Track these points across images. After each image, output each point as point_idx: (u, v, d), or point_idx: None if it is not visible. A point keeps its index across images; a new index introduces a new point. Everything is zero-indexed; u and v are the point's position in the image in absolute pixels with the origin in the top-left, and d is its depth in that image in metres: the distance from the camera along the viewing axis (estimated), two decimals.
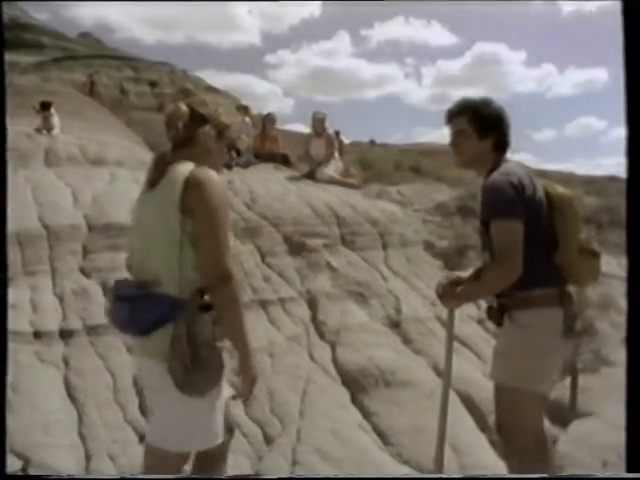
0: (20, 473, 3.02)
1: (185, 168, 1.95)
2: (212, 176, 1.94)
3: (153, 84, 24.44)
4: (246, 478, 2.99)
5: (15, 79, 21.01)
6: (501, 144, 2.47)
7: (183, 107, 2.04)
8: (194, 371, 1.84)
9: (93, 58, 27.65)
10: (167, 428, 1.96)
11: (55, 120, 8.82)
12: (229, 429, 2.20)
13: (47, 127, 8.60)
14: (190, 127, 2.02)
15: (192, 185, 1.90)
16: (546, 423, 3.73)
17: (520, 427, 2.34)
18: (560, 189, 2.47)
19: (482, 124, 2.44)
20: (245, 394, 2.04)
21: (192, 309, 1.88)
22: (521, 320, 2.33)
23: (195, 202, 1.89)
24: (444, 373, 2.67)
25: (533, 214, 2.30)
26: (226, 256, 1.89)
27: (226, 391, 2.06)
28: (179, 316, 1.86)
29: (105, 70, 25.84)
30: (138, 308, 1.92)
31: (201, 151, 2.03)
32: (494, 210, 2.29)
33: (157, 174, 2.01)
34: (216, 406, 1.96)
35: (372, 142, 16.27)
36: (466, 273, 2.70)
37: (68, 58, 27.01)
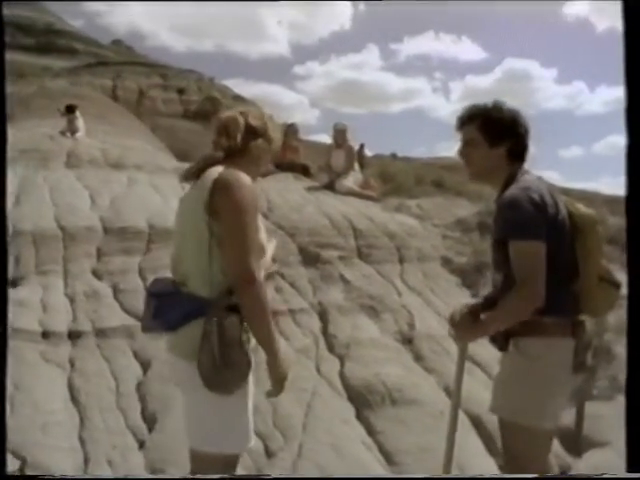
0: (17, 473, 2.98)
1: (217, 170, 1.97)
2: (242, 179, 1.93)
3: (181, 91, 24.65)
4: (246, 478, 2.93)
5: (46, 83, 21.42)
6: (517, 152, 2.24)
7: (240, 118, 2.07)
8: (222, 369, 1.86)
9: (123, 65, 28.07)
10: (199, 428, 1.98)
11: (79, 123, 8.93)
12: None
13: (71, 130, 8.71)
14: (245, 139, 2.05)
15: (220, 186, 1.91)
16: (560, 451, 3.61)
17: (521, 465, 2.14)
18: (583, 209, 2.24)
19: (493, 130, 2.22)
20: (276, 392, 2.03)
21: (220, 308, 1.90)
22: (529, 350, 2.11)
23: (221, 203, 1.90)
24: (451, 406, 2.46)
25: (555, 235, 2.08)
26: (250, 258, 1.89)
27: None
28: (208, 315, 1.89)
29: (134, 77, 26.18)
30: (166, 305, 1.96)
31: (252, 163, 2.07)
32: (513, 229, 2.06)
33: (196, 176, 2.03)
34: (245, 406, 1.98)
35: (394, 155, 16.18)
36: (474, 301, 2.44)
37: (99, 64, 27.45)
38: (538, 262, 2.02)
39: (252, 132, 2.06)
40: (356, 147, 11.45)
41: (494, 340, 2.24)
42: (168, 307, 1.97)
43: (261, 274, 1.94)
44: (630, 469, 1.48)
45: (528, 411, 2.12)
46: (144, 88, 23.30)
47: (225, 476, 2.08)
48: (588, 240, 2.18)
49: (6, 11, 2.35)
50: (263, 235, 2.04)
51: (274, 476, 3.04)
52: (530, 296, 2.01)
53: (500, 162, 2.23)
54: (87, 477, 3.10)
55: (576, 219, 2.19)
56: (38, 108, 15.00)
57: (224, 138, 2.05)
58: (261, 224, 2.04)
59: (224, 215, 1.90)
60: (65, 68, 26.37)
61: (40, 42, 34.00)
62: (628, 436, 1.48)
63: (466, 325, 2.23)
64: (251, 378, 1.98)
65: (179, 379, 2.03)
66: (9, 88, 2.35)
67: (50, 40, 36.34)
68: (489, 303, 2.24)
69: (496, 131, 2.22)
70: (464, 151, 2.29)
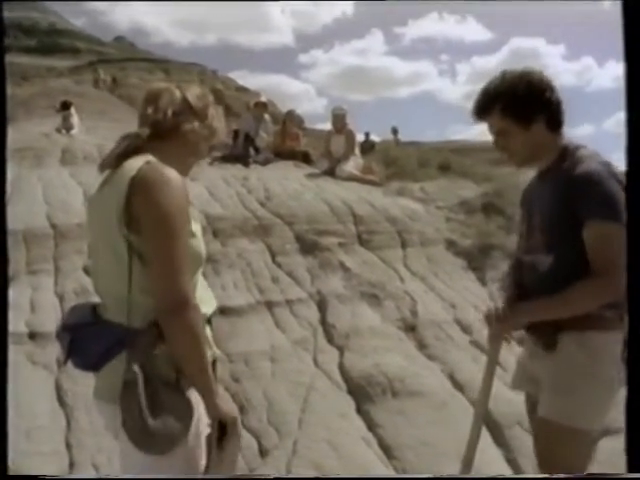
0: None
1: (135, 164, 1.54)
2: (166, 174, 1.52)
3: None
4: (246, 478, 2.80)
5: (49, 83, 21.41)
6: (557, 119, 1.96)
7: (176, 91, 1.68)
8: (153, 423, 1.45)
9: (126, 61, 27.97)
10: None
11: (74, 120, 8.81)
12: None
13: (66, 127, 8.60)
14: (177, 117, 1.65)
15: (139, 187, 1.49)
16: None
17: (565, 467, 1.90)
18: None
19: (520, 111, 1.92)
20: (221, 443, 1.57)
21: (148, 340, 1.50)
22: (592, 345, 1.88)
23: (141, 209, 1.49)
24: (475, 416, 2.18)
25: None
26: (180, 277, 1.48)
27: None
28: (130, 350, 1.49)
29: (137, 73, 26.08)
30: (82, 339, 1.57)
31: (184, 151, 1.68)
32: (600, 207, 1.79)
33: (114, 165, 1.60)
34: (187, 467, 1.54)
35: (394, 131, 15.43)
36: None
37: (102, 61, 27.36)
38: (621, 248, 1.72)
39: (188, 111, 1.67)
40: (360, 135, 11.27)
41: (538, 337, 1.99)
42: (85, 342, 1.56)
43: (194, 295, 1.54)
44: (630, 469, 1.36)
45: (589, 414, 1.90)
46: (118, 77, 22.99)
47: (229, 476, 1.85)
48: None
49: (8, 13, 2.12)
50: (201, 243, 1.64)
51: (274, 476, 2.89)
52: (610, 287, 1.79)
53: (543, 139, 1.96)
54: (86, 477, 2.99)
55: None
56: (40, 108, 14.96)
57: (151, 109, 1.64)
58: (197, 225, 1.65)
59: (145, 223, 1.49)
60: (67, 67, 26.32)
61: (43, 43, 34.10)
62: (628, 436, 1.36)
63: (508, 315, 2.00)
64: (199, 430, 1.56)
65: (108, 425, 1.63)
66: (13, 90, 2.17)
67: (53, 40, 36.43)
68: (525, 290, 2.01)
69: (523, 111, 1.93)
70: (499, 143, 2.01)
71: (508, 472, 3.05)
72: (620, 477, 1.49)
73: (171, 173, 1.53)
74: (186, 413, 1.51)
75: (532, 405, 2.09)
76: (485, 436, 3.32)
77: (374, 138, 13.75)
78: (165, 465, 1.51)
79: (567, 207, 1.85)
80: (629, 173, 1.62)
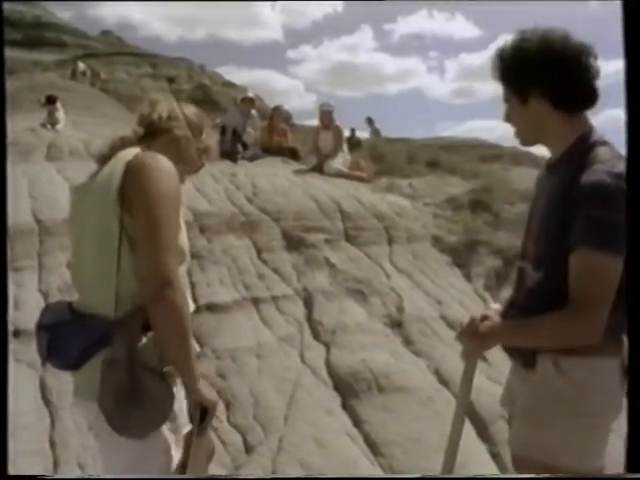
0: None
1: (131, 152, 1.61)
2: (162, 161, 1.57)
3: (171, 80, 24.37)
4: (233, 479, 2.80)
5: (36, 77, 21.16)
6: (569, 100, 1.60)
7: (175, 105, 1.79)
8: (132, 405, 1.48)
9: (113, 55, 27.72)
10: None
11: (60, 114, 8.72)
12: (210, 451, 1.89)
13: (51, 122, 8.50)
14: (171, 122, 1.73)
15: (134, 169, 1.54)
16: None
17: None
18: None
19: (516, 79, 1.63)
20: (200, 431, 1.62)
21: (133, 329, 1.52)
22: (574, 373, 1.58)
23: (135, 190, 1.52)
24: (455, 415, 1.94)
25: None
26: (167, 257, 1.50)
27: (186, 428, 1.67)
28: (114, 340, 1.51)
29: (124, 67, 25.87)
30: (61, 338, 1.58)
31: (175, 156, 1.69)
32: (592, 233, 1.48)
33: (107, 159, 1.67)
34: (165, 450, 1.56)
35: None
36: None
37: (88, 56, 27.08)
38: (612, 284, 1.48)
39: (183, 121, 1.75)
40: (346, 131, 11.22)
41: (517, 355, 1.75)
42: (64, 341, 1.57)
43: (180, 280, 1.56)
44: (630, 469, 1.33)
45: (572, 451, 1.59)
46: (142, 81, 22.97)
47: (222, 476, 1.87)
48: None
49: None
50: (184, 238, 1.67)
51: (260, 476, 2.89)
52: (590, 327, 1.50)
53: (546, 117, 1.63)
54: (88, 477, 2.98)
55: None
56: (26, 102, 14.78)
57: (148, 111, 1.73)
58: (183, 225, 1.68)
59: (137, 204, 1.52)
60: (53, 61, 26.04)
61: (29, 36, 33.59)
62: (628, 436, 1.33)
63: (483, 333, 1.70)
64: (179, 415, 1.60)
65: (91, 424, 1.63)
66: None
67: (39, 34, 35.93)
68: (512, 308, 1.76)
69: (516, 80, 1.63)
70: (506, 112, 1.72)
71: (492, 465, 3.08)
72: (620, 477, 1.45)
73: (166, 161, 1.59)
74: (166, 402, 1.53)
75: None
76: (469, 430, 3.35)
77: (364, 134, 13.65)
78: (139, 451, 1.53)
79: (563, 221, 1.55)
80: (629, 173, 1.48)
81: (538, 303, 1.60)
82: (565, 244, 1.52)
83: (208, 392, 1.64)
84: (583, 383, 1.57)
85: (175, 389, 1.58)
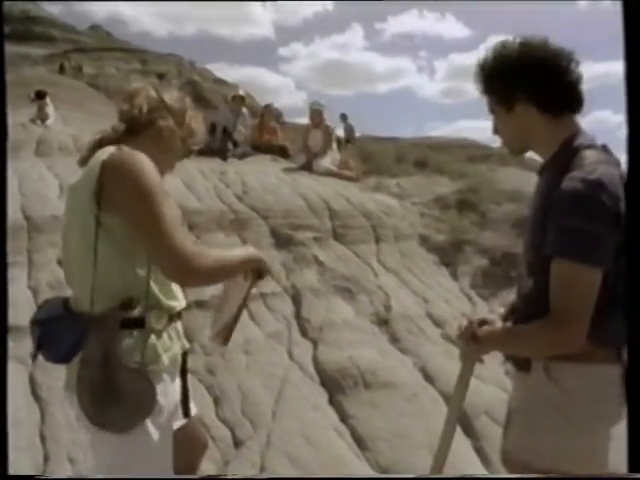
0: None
1: (108, 150, 1.61)
2: (136, 157, 1.57)
3: (161, 76, 24.31)
4: (246, 478, 2.86)
5: (24, 71, 21.00)
6: (554, 103, 1.59)
7: (152, 92, 1.75)
8: (109, 402, 1.52)
9: (102, 51, 27.62)
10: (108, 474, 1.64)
11: (50, 110, 8.69)
12: (203, 445, 2.00)
13: (41, 117, 8.47)
14: (152, 113, 1.71)
15: (111, 169, 1.54)
16: None
17: None
18: None
19: (499, 89, 1.63)
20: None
21: (110, 326, 1.55)
22: (564, 379, 1.56)
23: (117, 190, 1.53)
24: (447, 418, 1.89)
25: (619, 249, 1.50)
26: (178, 241, 1.53)
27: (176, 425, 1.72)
28: (90, 336, 1.55)
29: (114, 63, 25.77)
30: (52, 332, 1.63)
31: (158, 147, 1.70)
32: (565, 242, 1.46)
33: (83, 163, 1.69)
34: (150, 443, 1.59)
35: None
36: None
37: (77, 50, 26.95)
38: (588, 293, 1.47)
39: (164, 109, 1.72)
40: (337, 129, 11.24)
41: (511, 356, 1.74)
42: (55, 335, 1.62)
43: (193, 246, 1.58)
44: (630, 469, 1.36)
45: (570, 457, 1.57)
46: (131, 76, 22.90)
47: (218, 476, 1.92)
48: None
49: None
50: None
51: (272, 476, 2.93)
52: (568, 337, 1.49)
53: (533, 123, 1.62)
54: (88, 477, 3.00)
55: None
56: (14, 97, 14.69)
57: (127, 106, 1.71)
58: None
59: (124, 203, 1.54)
60: (42, 56, 25.87)
61: (17, 30, 33.28)
62: (628, 436, 1.35)
63: (481, 337, 1.70)
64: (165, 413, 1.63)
65: (78, 417, 1.66)
66: None
67: (27, 28, 35.65)
68: (514, 313, 1.75)
69: (501, 88, 1.63)
70: (493, 124, 1.72)
71: (477, 461, 3.15)
72: (620, 477, 1.46)
73: (141, 156, 1.58)
74: (147, 399, 1.56)
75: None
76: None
77: (339, 131, 13.42)
78: (123, 445, 1.57)
79: (544, 229, 1.52)
80: (629, 173, 1.48)
81: (533, 309, 1.58)
82: (546, 252, 1.52)
83: (255, 253, 1.87)
84: (573, 390, 1.55)
85: (161, 385, 1.61)
